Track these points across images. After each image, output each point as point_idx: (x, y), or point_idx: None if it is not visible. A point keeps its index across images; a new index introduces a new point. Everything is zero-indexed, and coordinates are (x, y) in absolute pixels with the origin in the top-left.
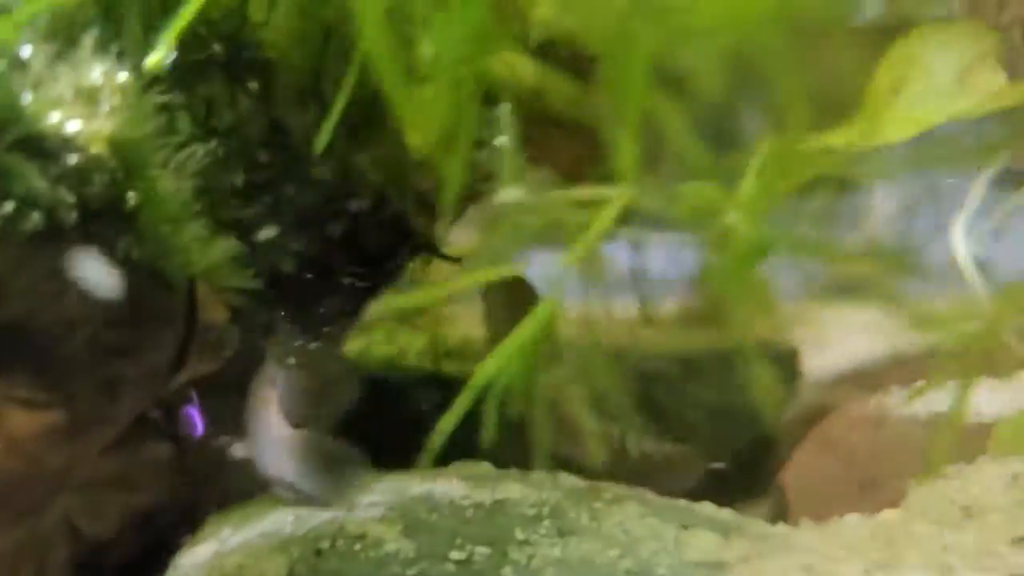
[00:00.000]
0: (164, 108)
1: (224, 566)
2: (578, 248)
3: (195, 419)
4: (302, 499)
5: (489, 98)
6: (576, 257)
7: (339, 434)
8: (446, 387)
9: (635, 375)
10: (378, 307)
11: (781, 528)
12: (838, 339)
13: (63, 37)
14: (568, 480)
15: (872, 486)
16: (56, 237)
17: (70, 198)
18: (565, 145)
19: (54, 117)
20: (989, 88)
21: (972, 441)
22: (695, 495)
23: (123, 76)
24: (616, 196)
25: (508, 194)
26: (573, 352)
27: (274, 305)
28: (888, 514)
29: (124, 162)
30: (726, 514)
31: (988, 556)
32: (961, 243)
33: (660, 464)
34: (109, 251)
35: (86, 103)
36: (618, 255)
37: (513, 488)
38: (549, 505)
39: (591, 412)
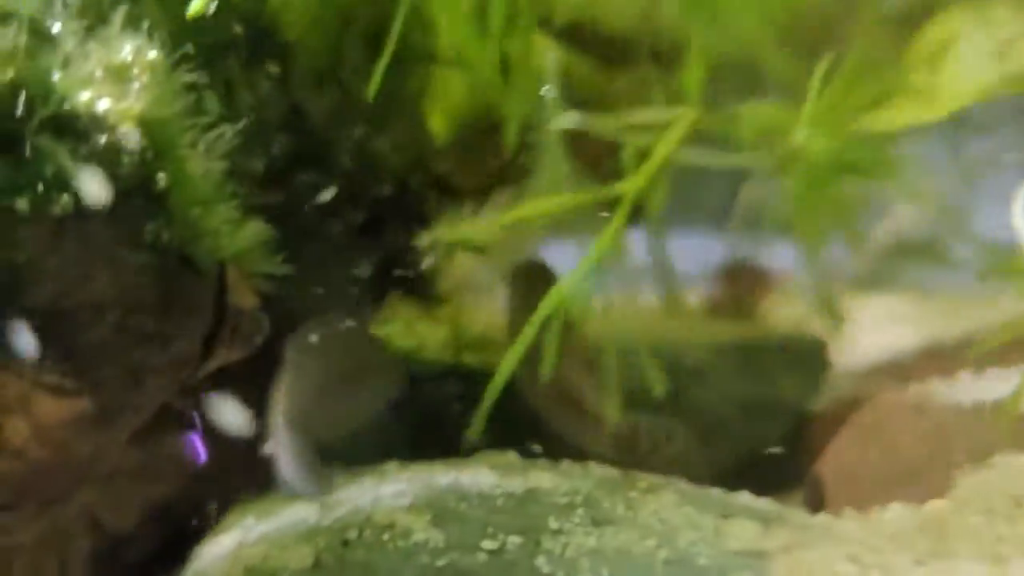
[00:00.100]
0: (192, 87)
1: (247, 556)
2: (640, 175)
3: (197, 446)
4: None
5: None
6: (638, 184)
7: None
8: (467, 379)
9: (662, 366)
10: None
11: (822, 518)
12: (867, 330)
13: (93, 14)
14: (598, 469)
15: (916, 476)
16: (86, 219)
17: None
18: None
19: (84, 96)
20: None
21: (1019, 431)
22: (729, 486)
23: (152, 54)
24: (681, 117)
25: (567, 119)
26: (595, 342)
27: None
28: (936, 505)
29: (154, 142)
30: (764, 503)
31: None
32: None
33: (670, 453)
34: (138, 234)
35: (116, 81)
36: (640, 249)
37: (544, 477)
38: (582, 494)
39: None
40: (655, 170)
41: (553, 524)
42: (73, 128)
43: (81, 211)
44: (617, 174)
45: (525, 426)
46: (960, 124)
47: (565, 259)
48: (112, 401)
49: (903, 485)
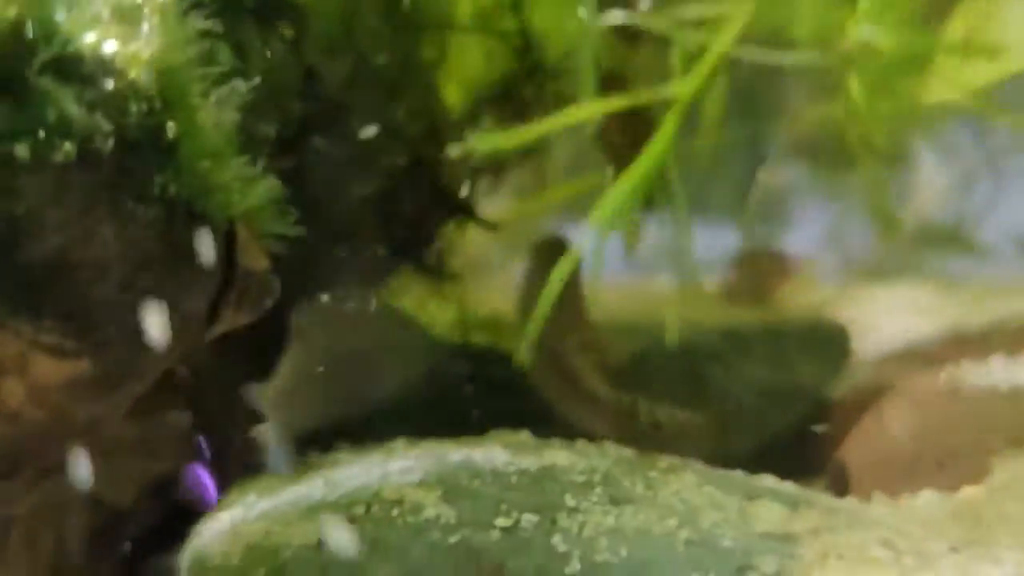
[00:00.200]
0: (205, 35)
1: (248, 533)
2: (695, 76)
3: (206, 481)
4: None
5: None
6: (693, 86)
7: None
8: (476, 359)
9: (679, 349)
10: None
11: (851, 502)
12: (888, 319)
13: None
14: (615, 449)
15: (948, 462)
16: (91, 169)
17: (106, 126)
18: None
19: (90, 37)
20: None
21: None
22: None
23: None
24: (736, 12)
25: (614, 16)
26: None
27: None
28: (971, 491)
29: (164, 89)
30: (789, 487)
31: None
32: None
33: (671, 433)
34: (145, 186)
35: (124, 23)
36: (660, 234)
37: (559, 455)
38: (600, 472)
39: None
40: (710, 70)
41: (570, 502)
42: (78, 71)
43: (85, 160)
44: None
45: (534, 410)
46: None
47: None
48: (114, 364)
49: (934, 471)
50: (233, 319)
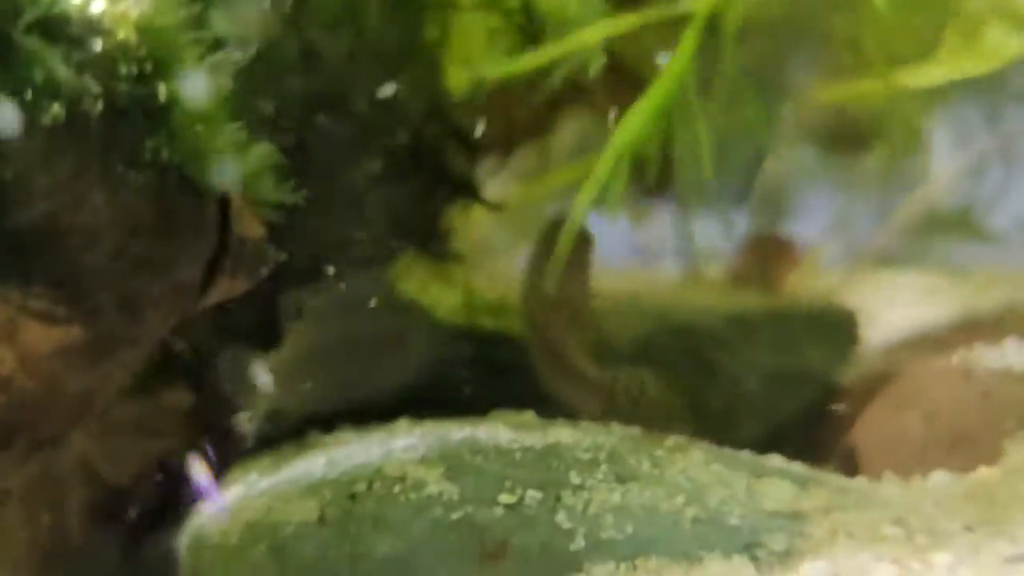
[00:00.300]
0: None
1: (249, 510)
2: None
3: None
4: None
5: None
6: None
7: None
8: (481, 342)
9: (683, 332)
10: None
11: (862, 482)
12: (896, 306)
13: None
14: (620, 428)
15: (961, 443)
16: (80, 132)
17: (95, 88)
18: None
19: None
20: None
21: None
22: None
23: None
24: None
25: None
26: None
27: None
28: (984, 472)
29: (154, 52)
30: (798, 467)
31: None
32: None
33: (648, 406)
34: (137, 151)
35: None
36: (666, 224)
37: (564, 433)
38: (606, 450)
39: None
40: None
41: (575, 479)
42: (65, 31)
43: (74, 123)
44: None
45: (540, 393)
46: (997, 91)
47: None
48: (107, 332)
49: (946, 453)
50: (228, 288)
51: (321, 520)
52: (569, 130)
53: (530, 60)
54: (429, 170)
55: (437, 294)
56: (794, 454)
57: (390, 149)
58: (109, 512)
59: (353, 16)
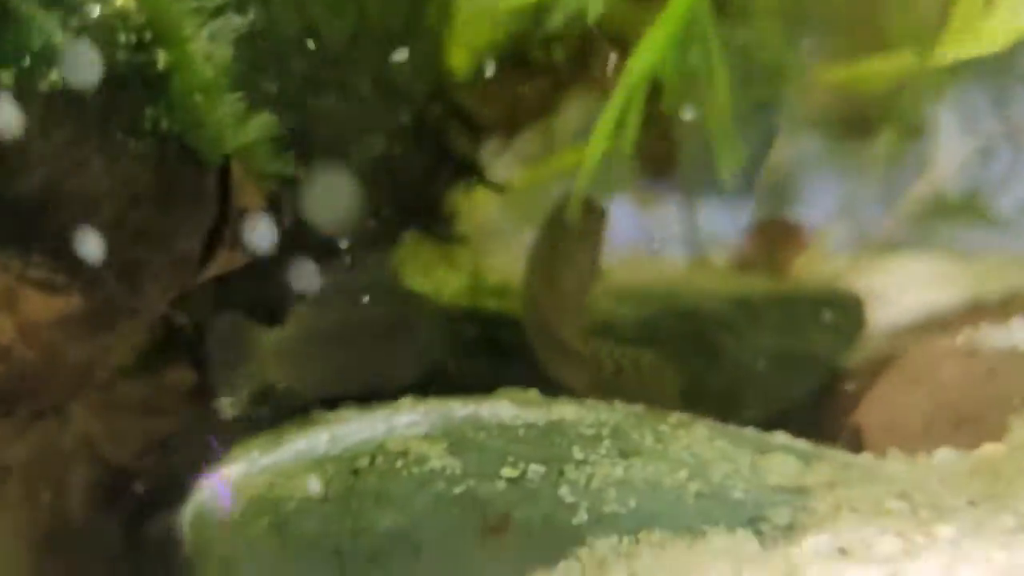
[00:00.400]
0: None
1: (251, 486)
2: None
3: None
4: None
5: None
6: None
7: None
8: (485, 323)
9: (688, 315)
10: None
11: (867, 458)
12: (903, 291)
13: None
14: (624, 406)
15: (967, 420)
16: (78, 100)
17: (94, 55)
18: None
19: None
20: None
21: None
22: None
23: None
24: None
25: None
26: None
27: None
28: (990, 448)
29: (153, 19)
30: (802, 443)
31: None
32: None
33: (633, 378)
34: (136, 119)
35: None
36: (672, 212)
37: (567, 410)
38: (609, 426)
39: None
40: None
41: (578, 454)
42: None
43: (72, 91)
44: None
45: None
46: (1005, 73)
47: None
48: (107, 302)
49: (951, 431)
50: (229, 260)
51: (323, 495)
52: (573, 113)
53: None
54: (433, 151)
55: (441, 276)
56: (799, 434)
57: (393, 129)
58: (111, 491)
59: None
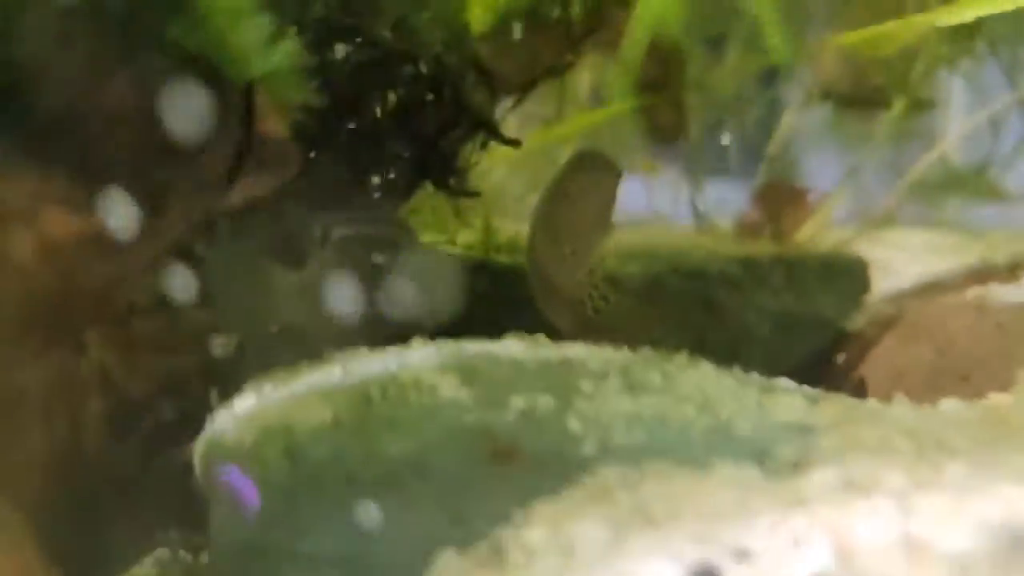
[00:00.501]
0: None
1: (263, 416)
2: None
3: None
4: None
5: None
6: None
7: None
8: (496, 275)
9: (694, 274)
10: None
11: (873, 403)
12: (908, 260)
13: None
14: (631, 350)
15: (974, 373)
16: (99, 16)
17: None
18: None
19: None
20: None
21: None
22: None
23: None
24: None
25: None
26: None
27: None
28: (997, 397)
29: None
30: (808, 388)
31: None
32: None
33: (614, 319)
34: (159, 38)
35: None
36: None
37: (576, 349)
38: (617, 364)
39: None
40: None
41: (586, 388)
42: None
43: (93, 6)
44: None
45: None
46: (1018, 43)
47: None
48: (127, 222)
49: (958, 383)
50: (251, 187)
51: (335, 424)
52: (587, 74)
53: None
54: (449, 104)
55: (453, 230)
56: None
57: (411, 79)
58: (126, 424)
59: None
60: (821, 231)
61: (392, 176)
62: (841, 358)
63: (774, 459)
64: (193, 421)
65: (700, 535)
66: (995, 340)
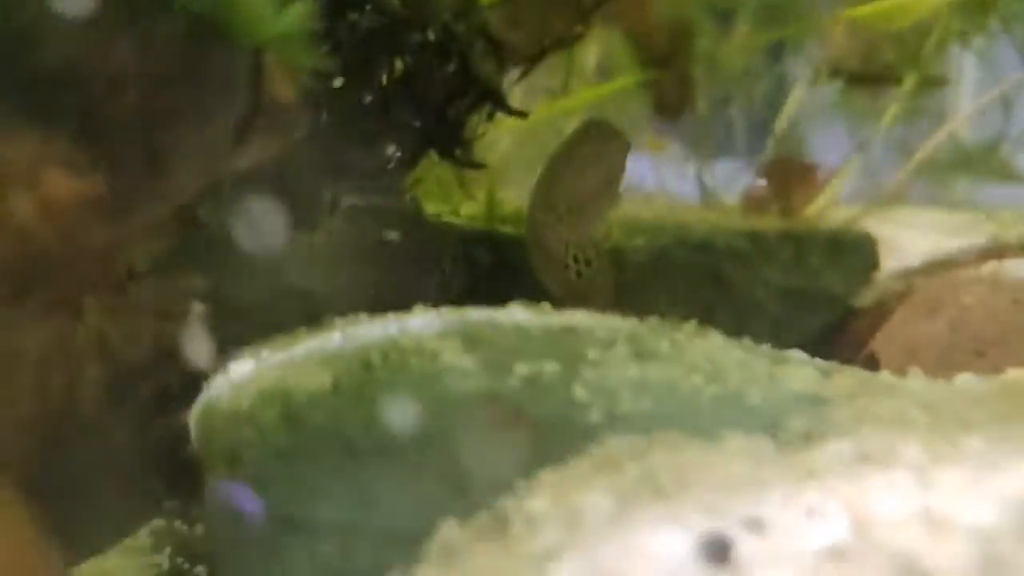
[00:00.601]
0: None
1: (261, 380)
2: None
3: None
4: None
5: None
6: None
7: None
8: (499, 246)
9: (700, 248)
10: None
11: (887, 376)
12: (917, 239)
13: None
14: (638, 319)
15: (989, 349)
16: None
17: None
18: None
19: None
20: None
21: None
22: None
23: None
24: None
25: None
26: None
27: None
28: (1015, 372)
29: None
30: (819, 360)
31: None
32: None
33: (590, 282)
34: None
35: None
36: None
37: (581, 317)
38: (624, 332)
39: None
40: None
41: (593, 355)
42: None
43: None
44: None
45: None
46: None
47: None
48: (130, 186)
49: (973, 359)
50: (258, 152)
51: (334, 388)
52: (594, 49)
53: None
54: (457, 73)
55: (458, 200)
56: None
57: (419, 47)
58: (123, 391)
59: None
60: (829, 208)
61: (399, 145)
62: (851, 334)
63: (786, 430)
64: (190, 386)
65: (710, 505)
66: (1011, 316)
